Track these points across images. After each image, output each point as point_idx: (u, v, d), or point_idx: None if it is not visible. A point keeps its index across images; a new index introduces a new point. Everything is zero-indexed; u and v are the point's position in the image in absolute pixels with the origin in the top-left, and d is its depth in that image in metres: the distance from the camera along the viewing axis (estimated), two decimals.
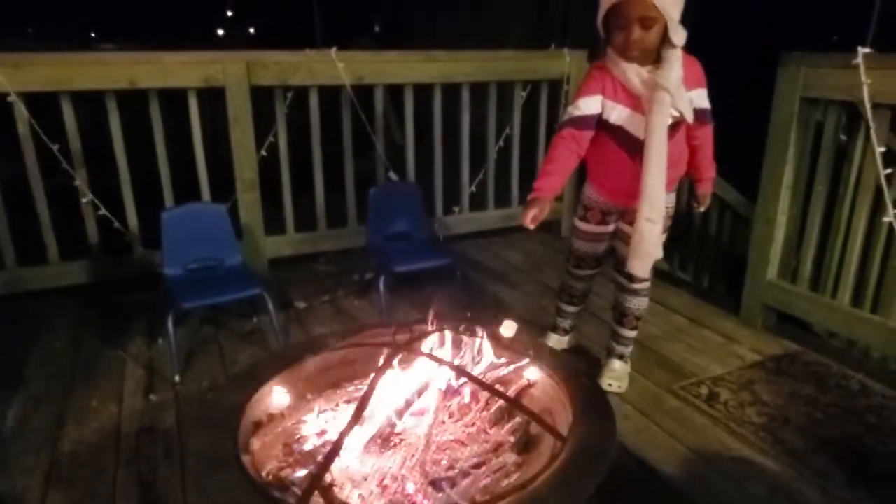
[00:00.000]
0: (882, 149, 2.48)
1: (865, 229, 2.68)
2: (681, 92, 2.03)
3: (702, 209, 2.47)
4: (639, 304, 2.43)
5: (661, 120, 2.02)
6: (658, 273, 3.79)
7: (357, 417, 1.48)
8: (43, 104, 3.05)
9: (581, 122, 2.11)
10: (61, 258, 3.21)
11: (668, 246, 3.91)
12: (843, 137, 2.72)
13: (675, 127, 2.09)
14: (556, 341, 2.72)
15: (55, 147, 3.04)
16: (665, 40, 1.99)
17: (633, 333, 2.50)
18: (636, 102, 2.06)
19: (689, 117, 2.07)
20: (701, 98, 2.14)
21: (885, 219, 2.52)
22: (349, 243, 3.64)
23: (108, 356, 2.72)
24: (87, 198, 3.15)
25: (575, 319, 2.74)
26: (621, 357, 2.54)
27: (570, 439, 1.45)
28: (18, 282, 3.11)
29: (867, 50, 2.43)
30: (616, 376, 2.50)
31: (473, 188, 4.01)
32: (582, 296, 2.63)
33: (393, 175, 3.69)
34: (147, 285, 3.07)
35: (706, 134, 2.24)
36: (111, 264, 3.26)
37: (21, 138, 2.98)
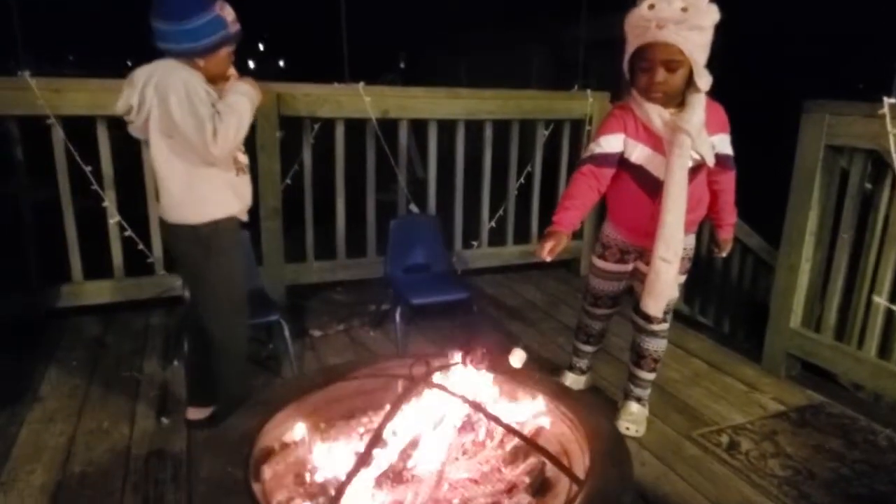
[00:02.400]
0: None
1: (892, 278, 2.62)
2: (702, 136, 2.03)
3: (723, 255, 2.45)
4: (657, 345, 2.39)
5: (681, 162, 2.02)
6: (678, 317, 3.76)
7: (369, 452, 1.45)
8: (78, 128, 3.14)
9: (602, 159, 2.13)
10: (85, 277, 3.24)
11: (688, 289, 3.91)
12: (868, 186, 2.69)
13: (695, 170, 2.09)
14: (573, 381, 2.68)
15: (88, 169, 3.11)
16: (690, 84, 2.01)
17: (651, 376, 2.45)
18: (657, 143, 2.07)
19: (710, 161, 2.07)
20: (723, 144, 2.15)
21: None
22: (367, 273, 3.65)
23: (123, 377, 2.73)
24: (114, 219, 3.21)
25: (592, 359, 2.70)
26: (639, 400, 2.49)
27: (588, 484, 1.41)
28: (42, 300, 3.15)
29: (893, 100, 2.42)
30: (633, 419, 2.44)
31: (493, 223, 4.02)
32: (599, 335, 2.60)
33: (414, 207, 3.72)
34: (166, 307, 3.10)
35: (728, 179, 2.24)
36: (133, 286, 3.30)
37: (56, 160, 3.06)
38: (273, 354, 2.88)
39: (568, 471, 1.47)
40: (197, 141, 1.91)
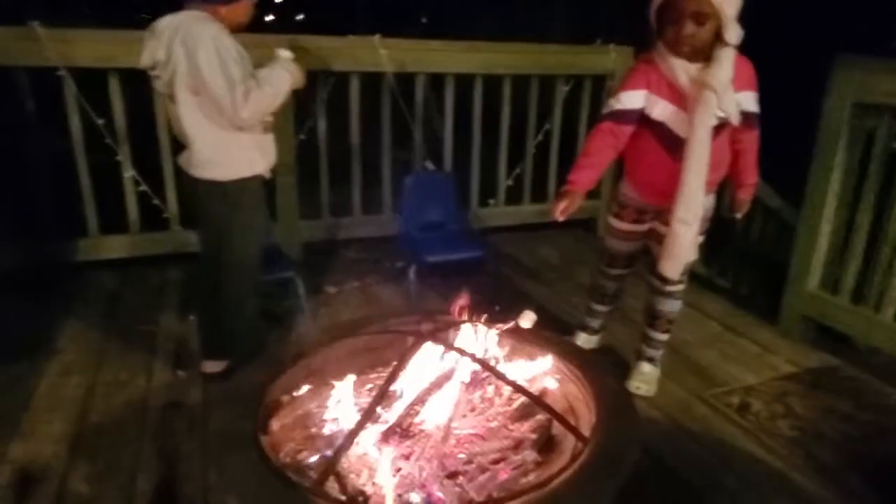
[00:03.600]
0: None
1: None
2: (728, 93, 1.95)
3: (739, 215, 2.37)
4: (672, 307, 2.37)
5: (705, 120, 1.95)
6: (695, 278, 3.71)
7: (375, 406, 1.47)
8: (91, 80, 3.12)
9: (622, 116, 2.08)
10: (101, 232, 3.28)
11: (707, 251, 3.85)
12: (894, 146, 2.59)
13: (719, 128, 2.01)
14: (585, 340, 2.67)
15: (100, 122, 3.10)
16: (718, 38, 1.92)
17: (664, 337, 2.43)
18: (681, 100, 2.00)
19: (735, 120, 2.00)
20: (749, 101, 2.06)
21: None
22: (383, 231, 3.64)
23: (140, 330, 2.77)
24: (129, 173, 3.22)
25: (605, 319, 2.68)
26: (651, 360, 2.48)
27: (592, 441, 1.42)
28: (59, 253, 3.19)
29: None
30: (645, 379, 2.44)
31: (510, 181, 3.97)
32: (613, 296, 2.57)
33: (430, 164, 3.68)
34: (182, 262, 3.13)
35: (752, 139, 2.15)
36: (148, 240, 3.33)
37: (68, 113, 3.06)
38: (288, 310, 2.91)
39: (573, 428, 1.47)
40: (226, 101, 1.90)
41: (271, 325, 2.73)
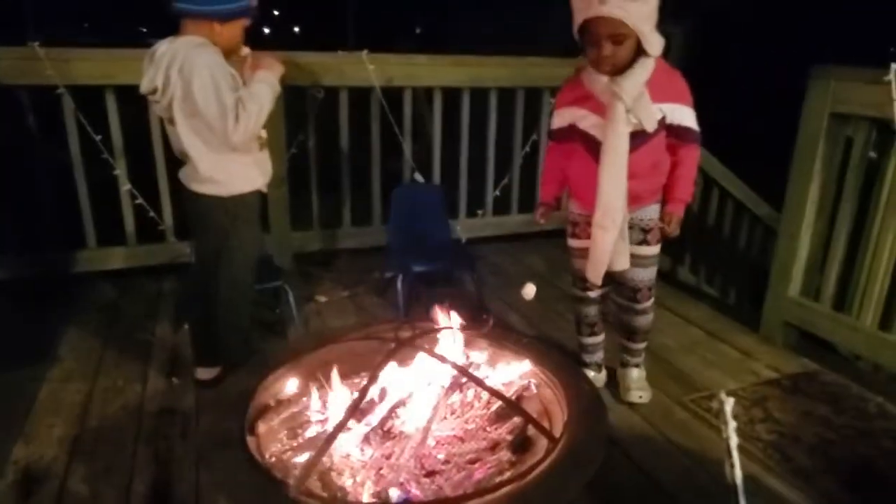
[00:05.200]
0: None
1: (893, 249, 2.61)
2: (642, 101, 1.99)
3: (670, 232, 2.21)
4: (644, 321, 2.40)
5: (615, 127, 2.01)
6: (682, 286, 3.78)
7: (355, 407, 1.54)
8: (89, 97, 3.21)
9: (557, 135, 2.26)
10: (99, 244, 3.36)
11: (694, 258, 3.91)
12: (872, 154, 2.67)
13: (640, 136, 2.05)
14: (594, 379, 2.51)
15: (98, 138, 3.19)
16: (641, 50, 1.96)
17: (643, 345, 2.48)
18: (602, 109, 2.06)
19: (649, 127, 2.03)
20: (677, 114, 2.08)
21: None
22: (373, 241, 3.72)
23: (136, 339, 2.85)
24: (125, 187, 3.30)
25: (602, 352, 2.58)
26: (637, 366, 2.51)
27: (561, 441, 1.48)
28: (60, 264, 3.28)
29: None
30: (640, 387, 2.47)
31: (498, 192, 4.05)
32: (601, 323, 2.52)
33: (418, 176, 3.76)
34: (177, 273, 3.20)
35: (686, 153, 2.16)
36: (145, 252, 3.41)
37: (67, 129, 3.15)
38: (280, 319, 2.98)
39: (543, 429, 1.54)
40: (218, 127, 2.00)
41: (263, 333, 2.79)
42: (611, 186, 2.08)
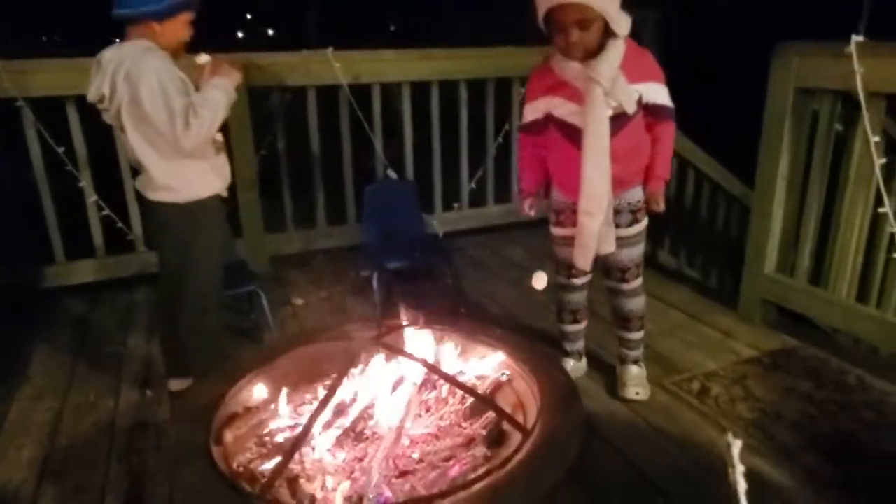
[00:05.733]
0: (877, 138, 2.43)
1: (869, 221, 2.61)
2: (618, 83, 1.97)
3: (657, 209, 2.22)
4: (637, 304, 2.37)
5: (594, 111, 1.98)
6: (662, 269, 3.78)
7: (319, 412, 1.50)
8: (51, 108, 3.14)
9: (530, 128, 2.21)
10: (67, 258, 3.29)
11: (673, 241, 3.92)
12: (839, 128, 2.67)
13: (619, 119, 2.03)
14: (573, 368, 2.53)
15: (61, 150, 3.13)
16: (609, 31, 1.93)
17: (640, 335, 2.43)
18: (578, 96, 2.02)
19: (629, 109, 2.01)
20: (653, 92, 2.07)
21: (881, 210, 2.47)
22: (348, 240, 3.68)
23: (108, 353, 2.80)
24: (91, 198, 3.23)
25: (583, 340, 2.57)
26: (636, 362, 2.46)
27: (534, 433, 1.45)
28: (28, 280, 3.20)
29: (860, 38, 2.38)
30: (638, 383, 2.42)
31: (473, 184, 4.02)
32: (583, 310, 2.49)
33: (392, 173, 3.72)
34: (149, 283, 3.14)
35: (663, 131, 2.15)
36: (114, 263, 3.34)
37: (28, 142, 3.08)
38: (255, 324, 2.93)
39: (514, 422, 1.52)
40: (168, 133, 1.94)
41: (237, 339, 2.75)
42: (594, 173, 2.04)
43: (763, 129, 2.83)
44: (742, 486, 1.02)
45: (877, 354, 2.83)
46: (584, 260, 2.21)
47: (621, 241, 2.22)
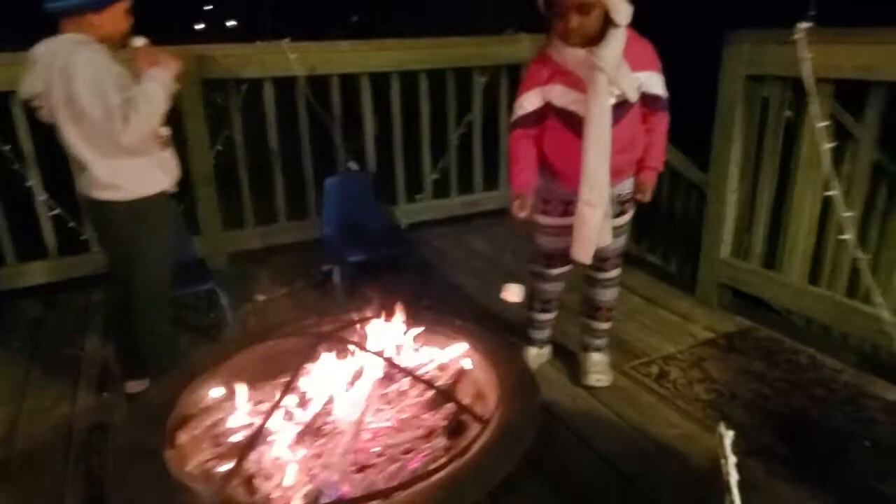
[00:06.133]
0: (825, 123, 2.50)
1: (819, 205, 2.68)
2: (621, 71, 1.97)
3: (645, 199, 2.27)
4: (611, 295, 2.39)
5: (599, 100, 1.97)
6: (624, 256, 3.82)
7: (274, 409, 1.49)
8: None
9: (526, 120, 2.12)
10: (18, 259, 3.19)
11: (635, 228, 3.96)
12: (789, 113, 2.73)
13: (622, 108, 2.02)
14: (536, 355, 2.55)
15: (6, 148, 3.02)
16: (609, 20, 1.93)
17: (607, 325, 2.45)
18: (579, 83, 2.01)
19: (632, 97, 2.02)
20: (651, 82, 2.08)
21: (830, 193, 2.54)
22: (310, 234, 3.63)
23: (64, 356, 2.73)
24: (41, 197, 3.14)
25: (551, 328, 2.57)
26: (599, 350, 2.48)
27: (491, 422, 1.47)
28: None
29: (807, 24, 2.44)
30: (599, 370, 2.44)
31: (436, 175, 4.01)
32: (556, 300, 2.47)
33: (353, 165, 3.69)
34: (105, 284, 3.06)
35: (658, 121, 2.17)
36: (68, 264, 3.25)
37: None
38: (215, 322, 2.89)
39: (472, 413, 1.53)
40: (105, 129, 1.87)
41: (197, 338, 2.71)
42: (597, 162, 2.02)
43: (716, 116, 2.88)
44: (734, 476, 1.03)
45: (828, 334, 2.93)
46: (584, 253, 2.16)
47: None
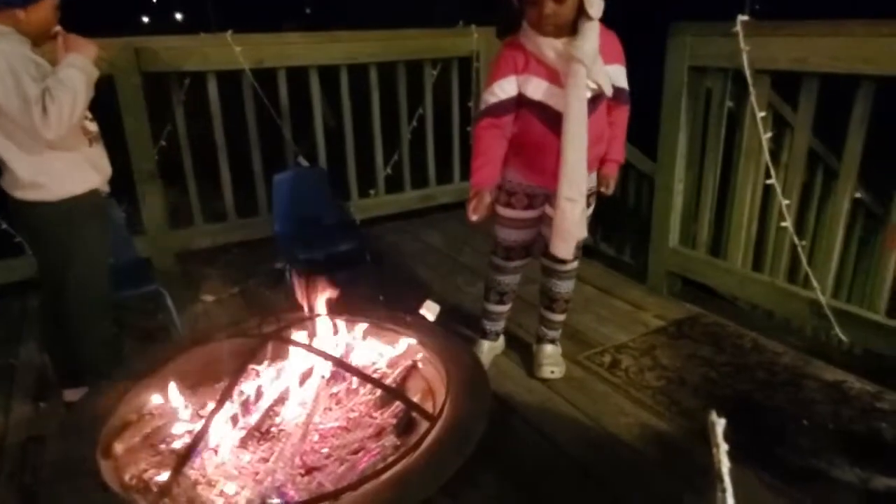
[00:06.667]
0: (763, 113, 2.56)
1: (760, 193, 2.75)
2: (597, 64, 1.95)
3: (608, 192, 2.27)
4: (568, 287, 2.40)
5: (578, 93, 1.94)
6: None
7: (215, 413, 1.44)
8: None
9: (498, 108, 2.04)
10: None
11: (591, 220, 4.00)
12: (730, 104, 2.79)
13: (595, 101, 2.01)
14: (489, 348, 2.53)
15: None
16: (581, 12, 1.90)
17: (562, 317, 2.46)
18: (554, 76, 1.98)
19: (608, 90, 2.01)
20: (618, 76, 2.08)
21: (769, 181, 2.61)
22: (261, 232, 3.54)
23: None
24: None
25: (505, 321, 2.55)
26: (553, 341, 2.49)
27: (439, 418, 1.45)
28: None
29: (745, 17, 2.49)
30: (553, 362, 2.44)
31: (389, 170, 3.97)
32: (512, 293, 2.45)
33: (303, 161, 3.62)
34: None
35: (621, 114, 2.17)
36: (1, 268, 3.10)
37: None
38: (162, 325, 2.79)
39: (421, 410, 1.51)
40: (25, 123, 1.77)
41: (142, 342, 2.61)
42: (575, 156, 1.99)
43: (662, 107, 2.92)
44: (726, 465, 1.02)
45: (772, 318, 3.02)
46: (565, 248, 2.14)
47: None
